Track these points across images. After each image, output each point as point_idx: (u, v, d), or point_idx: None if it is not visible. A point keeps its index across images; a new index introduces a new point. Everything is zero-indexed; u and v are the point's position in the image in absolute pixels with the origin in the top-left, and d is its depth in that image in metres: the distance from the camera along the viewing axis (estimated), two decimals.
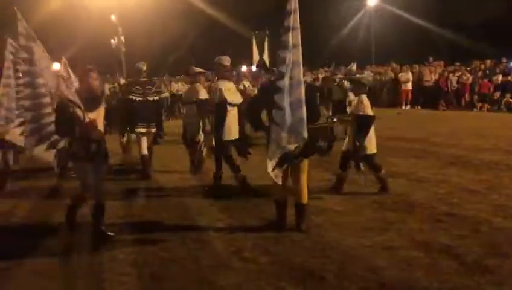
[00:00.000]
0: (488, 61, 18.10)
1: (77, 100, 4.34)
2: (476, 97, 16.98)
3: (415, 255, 3.98)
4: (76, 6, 22.58)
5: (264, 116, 4.76)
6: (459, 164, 7.49)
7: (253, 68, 18.61)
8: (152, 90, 7.42)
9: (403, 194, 5.85)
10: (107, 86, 12.09)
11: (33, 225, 5.28)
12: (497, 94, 16.39)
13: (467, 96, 17.33)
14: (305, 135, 4.36)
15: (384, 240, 4.35)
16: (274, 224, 4.80)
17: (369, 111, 5.84)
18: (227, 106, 6.07)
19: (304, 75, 4.57)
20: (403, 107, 18.22)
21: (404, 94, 18.42)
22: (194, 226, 4.97)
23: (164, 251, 4.27)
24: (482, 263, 3.77)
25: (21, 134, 6.25)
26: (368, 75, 20.63)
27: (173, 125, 10.38)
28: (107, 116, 4.91)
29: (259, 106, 4.88)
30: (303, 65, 4.42)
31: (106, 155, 4.71)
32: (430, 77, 18.27)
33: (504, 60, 17.33)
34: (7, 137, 6.40)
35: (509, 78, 16.42)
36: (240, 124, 6.33)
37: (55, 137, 4.80)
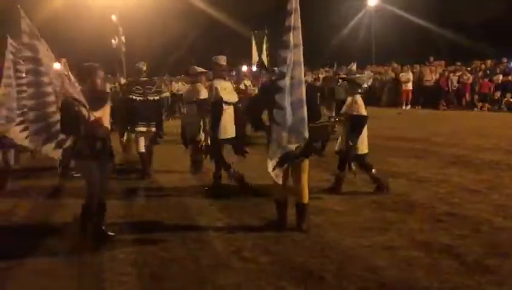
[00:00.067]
0: (489, 61, 18.10)
1: (82, 99, 4.32)
2: (476, 97, 16.98)
3: (415, 255, 3.97)
4: (77, 6, 22.61)
5: (264, 116, 4.76)
6: (460, 164, 7.49)
7: (254, 68, 18.62)
8: (152, 90, 7.45)
9: (403, 194, 5.85)
10: (108, 86, 12.11)
11: (34, 225, 5.28)
12: (498, 94, 16.40)
13: (467, 96, 17.33)
14: (306, 134, 4.36)
15: (384, 240, 4.35)
16: (274, 224, 4.80)
17: (363, 111, 5.84)
18: (223, 105, 6.09)
19: (304, 75, 4.57)
20: (404, 107, 18.22)
21: (404, 94, 18.43)
22: (193, 226, 4.97)
23: (164, 251, 4.27)
24: (482, 263, 3.77)
25: (22, 130, 6.28)
26: (368, 74, 20.65)
27: (173, 125, 10.36)
28: (112, 115, 4.90)
29: (260, 106, 4.88)
30: (303, 65, 4.42)
31: (111, 153, 4.70)
32: (431, 76, 18.27)
33: (504, 59, 17.33)
34: (8, 135, 6.39)
35: (510, 78, 16.43)
36: (236, 123, 6.34)
37: (62, 136, 4.79)
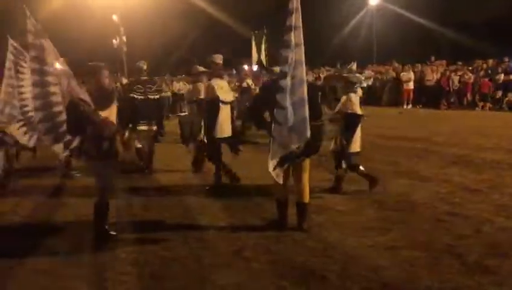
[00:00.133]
0: (490, 61, 18.06)
1: (88, 99, 4.30)
2: (477, 96, 16.96)
3: (417, 255, 3.97)
4: (78, 6, 22.63)
5: (266, 115, 4.76)
6: (461, 164, 7.48)
7: (254, 67, 18.63)
8: (153, 89, 7.50)
9: (404, 194, 5.84)
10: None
11: (35, 224, 5.29)
12: (499, 93, 16.37)
13: (468, 95, 17.30)
14: (308, 134, 4.36)
15: (386, 240, 4.35)
16: (275, 223, 4.80)
17: (358, 109, 5.84)
18: (220, 104, 6.09)
19: (305, 74, 4.56)
20: (405, 107, 18.21)
21: (405, 93, 18.41)
22: (195, 225, 4.97)
23: (165, 250, 4.27)
24: (483, 263, 3.76)
25: (21, 128, 6.29)
26: (368, 74, 20.67)
27: (174, 124, 10.38)
28: (118, 114, 4.88)
29: (261, 105, 4.88)
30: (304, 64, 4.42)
31: (116, 153, 4.66)
32: (432, 76, 18.26)
33: (506, 59, 17.29)
34: (10, 133, 6.39)
35: (511, 77, 16.38)
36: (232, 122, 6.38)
37: (69, 137, 4.79)
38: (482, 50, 20.97)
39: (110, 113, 4.48)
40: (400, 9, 27.66)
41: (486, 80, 16.76)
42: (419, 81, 18.53)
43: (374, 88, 20.40)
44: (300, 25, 4.34)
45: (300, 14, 4.33)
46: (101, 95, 4.45)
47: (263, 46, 16.93)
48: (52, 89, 4.89)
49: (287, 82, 4.31)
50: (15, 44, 6.42)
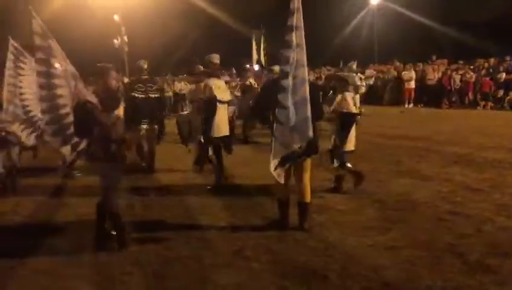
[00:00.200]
0: (492, 60, 18.02)
1: (94, 100, 4.27)
2: (479, 96, 16.93)
3: (418, 255, 3.97)
4: (79, 6, 22.64)
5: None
6: (463, 163, 7.47)
7: (256, 67, 18.67)
8: (153, 88, 7.54)
9: (405, 193, 5.84)
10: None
11: (36, 224, 5.30)
12: (501, 92, 16.33)
13: (470, 94, 17.27)
14: (311, 134, 4.36)
15: (387, 239, 4.35)
16: (277, 223, 4.80)
17: (352, 108, 5.84)
18: (217, 104, 6.12)
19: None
20: (406, 106, 18.19)
21: (407, 92, 18.39)
22: (196, 225, 4.98)
23: (167, 250, 4.28)
24: (484, 262, 3.76)
25: (23, 130, 6.29)
26: (370, 73, 20.65)
27: (175, 124, 10.37)
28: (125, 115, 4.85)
29: (263, 104, 4.88)
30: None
31: (124, 156, 4.59)
32: (433, 75, 18.23)
33: (508, 58, 17.23)
34: (13, 131, 6.39)
35: None
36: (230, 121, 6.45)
37: (76, 139, 4.78)
38: (484, 49, 20.91)
39: (118, 116, 4.43)
40: (401, 9, 27.61)
41: (487, 79, 16.72)
42: (421, 80, 18.50)
43: (375, 87, 20.38)
44: (302, 25, 4.34)
45: (301, 14, 4.33)
46: (109, 96, 4.40)
47: (262, 46, 16.97)
48: (59, 91, 4.88)
49: (289, 82, 4.32)
50: (15, 44, 6.45)
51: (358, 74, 11.55)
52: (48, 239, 4.71)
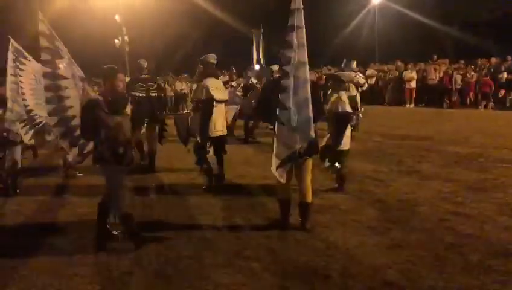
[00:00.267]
0: (493, 60, 17.98)
1: (102, 102, 4.23)
2: (480, 95, 16.90)
3: (420, 254, 3.96)
4: (80, 7, 22.67)
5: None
6: (464, 163, 7.46)
7: (256, 66, 18.68)
8: (154, 87, 7.57)
9: (407, 193, 5.83)
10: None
11: (38, 224, 5.30)
12: (502, 92, 16.30)
13: (471, 94, 17.24)
14: (313, 134, 4.36)
15: (389, 239, 4.34)
16: (278, 223, 4.80)
17: (348, 108, 5.83)
18: (214, 103, 6.13)
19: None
20: (407, 106, 18.18)
21: (408, 92, 18.37)
22: (197, 225, 4.97)
23: (167, 250, 4.28)
24: (486, 262, 3.75)
25: (21, 121, 6.30)
26: (371, 73, 20.63)
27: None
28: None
29: (265, 104, 4.88)
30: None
31: (131, 159, 4.52)
32: (435, 75, 18.20)
33: (509, 58, 17.20)
34: (17, 131, 6.38)
35: None
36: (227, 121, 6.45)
37: (82, 142, 4.76)
38: (485, 49, 20.90)
39: (125, 118, 4.41)
40: (402, 8, 27.58)
41: (487, 78, 16.68)
42: (422, 80, 18.48)
43: (376, 87, 20.36)
44: (303, 25, 4.33)
45: (302, 14, 4.32)
46: (116, 98, 4.35)
47: (261, 45, 17.02)
48: (66, 93, 4.87)
49: (290, 82, 4.31)
50: (15, 44, 6.46)
51: (359, 74, 11.53)
52: (48, 239, 4.71)
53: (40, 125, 6.56)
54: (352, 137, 8.78)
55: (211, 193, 6.16)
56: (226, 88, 9.38)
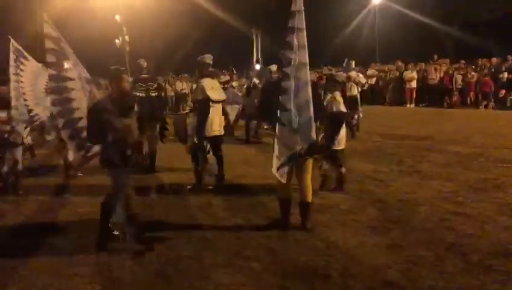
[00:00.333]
0: (494, 59, 17.98)
1: (109, 104, 4.20)
2: (480, 95, 16.90)
3: (420, 254, 3.96)
4: (81, 7, 22.67)
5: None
6: (465, 162, 7.45)
7: (257, 66, 18.70)
8: (154, 87, 7.57)
9: (407, 193, 5.83)
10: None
11: (38, 224, 5.29)
12: (503, 92, 16.29)
13: (472, 94, 17.23)
14: (314, 135, 4.36)
15: (389, 239, 4.34)
16: (278, 223, 4.79)
17: (343, 108, 5.83)
18: (210, 104, 6.12)
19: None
20: (408, 105, 18.18)
21: (408, 92, 18.36)
22: (197, 224, 4.97)
23: (168, 250, 4.28)
24: (487, 262, 3.75)
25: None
26: (372, 73, 20.64)
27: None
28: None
29: (266, 105, 4.88)
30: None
31: (140, 160, 4.52)
32: (435, 75, 18.19)
33: (510, 57, 17.19)
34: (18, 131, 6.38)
35: None
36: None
37: (88, 144, 4.74)
38: (486, 49, 20.89)
39: (132, 120, 4.38)
40: (403, 8, 27.57)
41: (487, 78, 16.67)
42: (423, 80, 18.47)
43: (377, 87, 20.36)
44: (304, 26, 4.33)
45: (303, 15, 4.31)
46: (122, 100, 4.32)
47: (259, 45, 17.09)
48: (72, 94, 4.86)
49: (291, 84, 4.31)
50: (15, 44, 6.47)
51: (359, 74, 11.57)
52: (49, 239, 4.71)
53: (37, 122, 6.57)
54: (354, 136, 8.80)
55: (211, 193, 6.16)
56: (226, 88, 9.39)
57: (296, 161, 4.51)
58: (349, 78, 11.19)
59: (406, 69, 18.97)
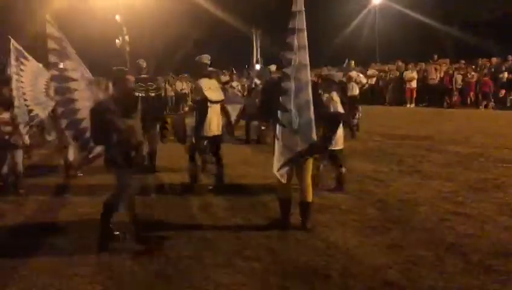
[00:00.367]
0: (494, 59, 17.98)
1: (112, 105, 4.19)
2: (480, 95, 16.90)
3: (420, 254, 3.96)
4: (81, 7, 22.68)
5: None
6: (465, 162, 7.45)
7: (257, 66, 18.71)
8: (153, 87, 7.58)
9: (407, 193, 5.83)
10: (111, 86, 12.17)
11: (38, 224, 5.29)
12: (503, 92, 16.29)
13: (472, 94, 17.23)
14: (314, 137, 4.35)
15: (389, 239, 4.33)
16: (278, 223, 4.79)
17: (340, 108, 5.83)
18: (208, 104, 6.12)
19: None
20: (408, 105, 18.18)
21: (408, 92, 18.36)
22: (197, 224, 4.97)
23: (168, 249, 4.28)
24: (487, 262, 3.75)
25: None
26: (372, 73, 20.64)
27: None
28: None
29: (267, 106, 4.88)
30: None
31: (143, 160, 4.48)
32: (435, 75, 18.19)
33: (510, 57, 17.19)
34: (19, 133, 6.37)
35: None
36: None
37: (91, 144, 4.75)
38: (486, 49, 20.89)
39: (136, 121, 4.37)
40: (403, 8, 27.59)
41: (487, 78, 16.68)
42: (423, 80, 18.47)
43: (377, 87, 20.36)
44: (304, 27, 4.32)
45: (304, 16, 4.31)
46: (126, 101, 4.31)
47: (259, 45, 17.12)
48: (75, 95, 4.86)
49: (291, 85, 4.31)
50: (16, 44, 6.48)
51: (359, 74, 11.60)
52: (49, 239, 4.71)
53: (36, 122, 6.57)
54: (354, 136, 8.79)
55: (211, 193, 6.16)
56: (226, 89, 9.39)
57: (297, 161, 4.51)
58: (350, 78, 11.21)
59: (406, 69, 18.97)
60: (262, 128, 10.85)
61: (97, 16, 22.04)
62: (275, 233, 4.58)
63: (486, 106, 16.32)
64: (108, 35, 21.65)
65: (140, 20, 23.11)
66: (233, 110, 8.81)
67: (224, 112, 6.56)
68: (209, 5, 26.90)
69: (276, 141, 4.50)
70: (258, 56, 17.42)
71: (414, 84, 18.26)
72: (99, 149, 4.69)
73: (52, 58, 4.92)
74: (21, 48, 6.61)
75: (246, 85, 12.41)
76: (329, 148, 5.68)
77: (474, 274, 3.55)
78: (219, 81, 7.19)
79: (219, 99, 6.39)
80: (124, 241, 4.48)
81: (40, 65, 7.09)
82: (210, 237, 4.59)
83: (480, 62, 18.43)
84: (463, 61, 18.77)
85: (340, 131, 5.89)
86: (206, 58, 6.40)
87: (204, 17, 28.41)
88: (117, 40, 21.26)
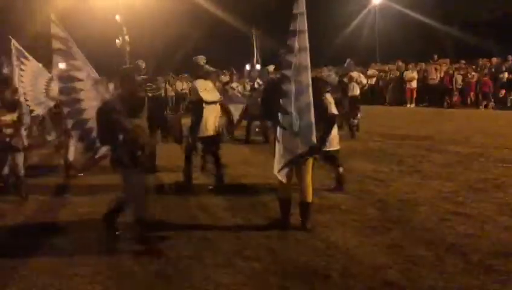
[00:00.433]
0: (494, 59, 17.98)
1: (119, 105, 4.17)
2: (480, 95, 16.91)
3: (420, 254, 3.96)
4: (81, 7, 22.68)
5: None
6: (465, 162, 7.45)
7: (257, 66, 18.71)
8: (153, 87, 7.58)
9: (407, 193, 5.83)
10: (111, 86, 12.16)
11: (38, 224, 5.30)
12: (503, 92, 16.29)
13: (472, 94, 17.23)
14: (314, 139, 4.35)
15: (389, 239, 4.33)
16: (278, 223, 4.79)
17: (334, 109, 5.82)
18: (203, 104, 6.12)
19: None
20: (408, 105, 18.18)
21: (409, 92, 18.37)
22: (197, 224, 4.97)
23: (168, 249, 4.27)
24: (487, 262, 3.75)
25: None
26: (372, 73, 20.64)
27: None
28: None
29: (268, 106, 4.87)
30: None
31: (147, 160, 4.45)
32: (436, 75, 18.19)
33: (510, 57, 17.19)
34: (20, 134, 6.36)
35: None
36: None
37: (97, 145, 4.74)
38: (486, 49, 20.89)
39: (142, 121, 4.36)
40: (403, 8, 27.59)
41: (486, 78, 16.68)
42: (423, 80, 18.48)
43: (377, 87, 20.36)
44: (306, 28, 4.31)
45: (305, 17, 4.29)
46: (132, 100, 4.29)
47: (258, 45, 17.11)
48: (80, 95, 4.86)
49: (291, 87, 4.31)
50: (16, 44, 6.49)
51: (360, 74, 11.60)
52: (49, 239, 4.71)
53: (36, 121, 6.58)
54: (354, 136, 8.78)
55: (211, 193, 6.16)
56: (227, 90, 9.39)
57: (297, 162, 4.51)
58: (351, 79, 11.20)
59: (406, 69, 18.97)
60: (257, 130, 10.88)
61: (97, 16, 22.03)
62: (275, 233, 4.58)
63: (486, 106, 16.32)
64: (108, 35, 21.64)
65: (140, 20, 23.09)
66: (236, 110, 8.82)
67: (226, 112, 6.57)
68: (209, 5, 26.91)
69: (276, 143, 4.51)
70: (258, 56, 17.41)
71: (414, 84, 18.27)
72: (104, 150, 4.68)
73: (57, 59, 4.91)
74: (21, 48, 6.62)
75: (248, 85, 12.38)
76: (324, 150, 5.69)
77: (474, 274, 3.55)
78: (218, 81, 7.20)
79: (215, 99, 6.39)
80: (124, 241, 4.48)
81: (40, 65, 7.10)
82: (210, 237, 4.59)
83: (480, 62, 18.42)
84: (463, 61, 18.77)
85: (335, 131, 5.89)
86: (201, 59, 6.41)
87: (204, 17, 28.40)
88: (117, 40, 21.25)
